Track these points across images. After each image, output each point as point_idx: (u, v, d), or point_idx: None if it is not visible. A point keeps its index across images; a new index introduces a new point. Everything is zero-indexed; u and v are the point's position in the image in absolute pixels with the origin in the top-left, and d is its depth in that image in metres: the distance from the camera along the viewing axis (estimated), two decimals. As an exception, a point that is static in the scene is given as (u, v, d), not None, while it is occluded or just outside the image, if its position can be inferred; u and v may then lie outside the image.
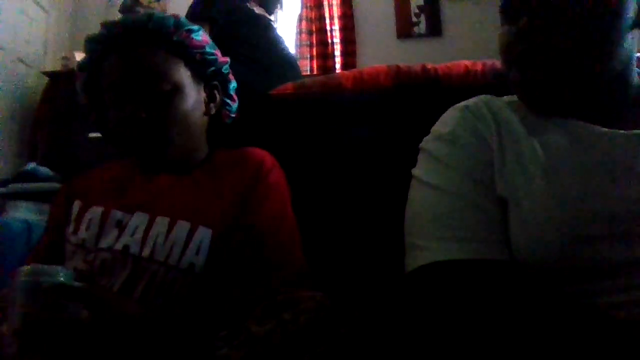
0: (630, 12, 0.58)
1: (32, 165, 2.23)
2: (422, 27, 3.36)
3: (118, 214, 0.72)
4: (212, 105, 0.84)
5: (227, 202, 0.72)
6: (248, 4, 1.51)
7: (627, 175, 0.53)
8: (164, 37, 0.77)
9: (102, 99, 0.78)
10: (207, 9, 1.38)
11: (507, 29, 0.62)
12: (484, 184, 0.58)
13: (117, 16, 3.45)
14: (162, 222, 0.70)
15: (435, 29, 3.32)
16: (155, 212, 0.71)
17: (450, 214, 0.57)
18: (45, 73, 2.87)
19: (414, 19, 3.37)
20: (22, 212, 1.93)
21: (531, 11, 0.57)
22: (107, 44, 0.76)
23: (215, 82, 0.85)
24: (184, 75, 0.78)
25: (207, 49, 0.82)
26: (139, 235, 0.69)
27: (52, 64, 3.04)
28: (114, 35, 0.76)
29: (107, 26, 0.77)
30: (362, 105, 0.98)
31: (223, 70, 0.86)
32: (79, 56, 2.99)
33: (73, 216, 0.76)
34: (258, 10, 1.54)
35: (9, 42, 2.72)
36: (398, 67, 1.01)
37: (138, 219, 0.71)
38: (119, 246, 0.68)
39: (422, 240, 0.57)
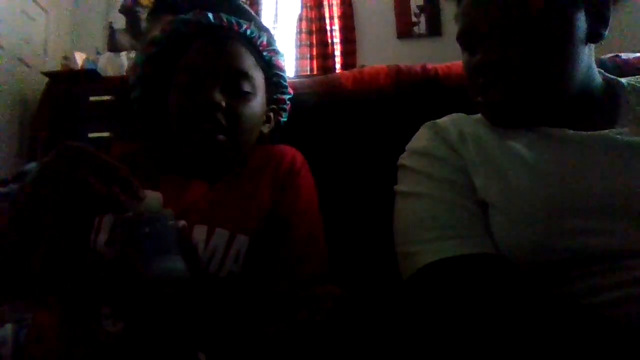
0: (583, 28, 0.61)
1: (32, 165, 2.23)
2: (422, 27, 3.36)
3: None
4: (266, 125, 0.85)
5: (262, 206, 0.72)
6: None
7: (595, 173, 0.55)
8: (255, 47, 0.80)
9: (165, 78, 0.77)
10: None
11: (466, 58, 0.67)
12: (463, 187, 0.61)
13: (118, 16, 3.45)
14: (200, 231, 0.67)
15: (435, 29, 3.32)
16: (192, 220, 0.68)
17: (434, 216, 0.59)
18: (45, 73, 2.86)
19: (414, 19, 3.37)
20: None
21: (484, 47, 0.62)
22: (197, 29, 0.77)
23: (274, 107, 0.87)
24: (262, 85, 0.80)
25: (284, 74, 0.86)
26: None
27: (52, 64, 3.03)
28: (209, 25, 0.77)
29: (204, 15, 0.77)
30: (362, 105, 0.98)
31: (286, 101, 0.89)
32: (79, 56, 2.99)
33: (106, 226, 0.68)
34: None
35: (9, 42, 2.72)
36: (398, 67, 1.01)
37: None
38: None
39: (412, 246, 0.59)
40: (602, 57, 0.98)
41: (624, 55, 0.98)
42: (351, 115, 0.98)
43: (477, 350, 0.49)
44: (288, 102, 0.90)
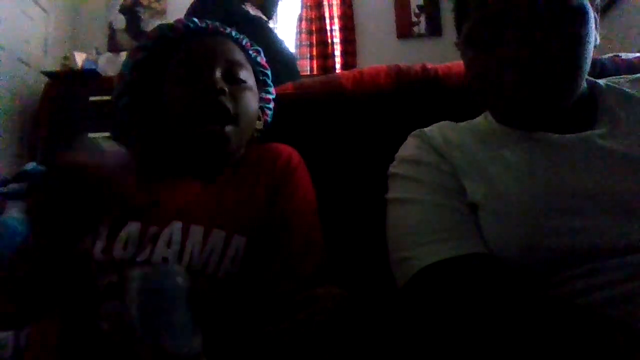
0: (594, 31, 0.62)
1: (32, 165, 2.23)
2: (422, 27, 3.36)
3: (155, 229, 0.67)
4: (259, 122, 0.85)
5: (259, 205, 0.72)
6: (244, 6, 1.52)
7: (576, 174, 0.56)
8: (242, 47, 0.83)
9: (153, 83, 0.78)
10: (204, 11, 1.39)
11: (477, 56, 0.64)
12: (453, 190, 0.62)
13: (118, 16, 3.45)
14: (196, 231, 0.66)
15: (435, 29, 3.33)
16: (188, 220, 0.68)
17: (427, 220, 0.60)
18: (45, 73, 2.86)
19: (414, 19, 3.37)
20: (22, 212, 1.94)
21: (516, 37, 0.59)
22: (185, 33, 0.79)
23: (261, 105, 0.88)
24: (253, 81, 0.82)
25: (268, 72, 0.88)
26: (176, 246, 0.65)
27: (52, 64, 3.03)
28: (197, 29, 0.79)
29: (191, 21, 0.80)
30: (362, 105, 0.98)
31: (271, 100, 0.90)
32: (79, 56, 3.00)
33: (103, 234, 0.67)
34: (253, 11, 1.55)
35: (9, 42, 2.72)
36: (398, 67, 1.01)
37: (172, 229, 0.67)
38: (157, 258, 0.65)
39: (407, 251, 0.59)
40: (602, 57, 0.98)
41: (623, 55, 0.98)
42: (351, 115, 0.97)
43: (474, 351, 0.50)
44: (272, 102, 0.91)
